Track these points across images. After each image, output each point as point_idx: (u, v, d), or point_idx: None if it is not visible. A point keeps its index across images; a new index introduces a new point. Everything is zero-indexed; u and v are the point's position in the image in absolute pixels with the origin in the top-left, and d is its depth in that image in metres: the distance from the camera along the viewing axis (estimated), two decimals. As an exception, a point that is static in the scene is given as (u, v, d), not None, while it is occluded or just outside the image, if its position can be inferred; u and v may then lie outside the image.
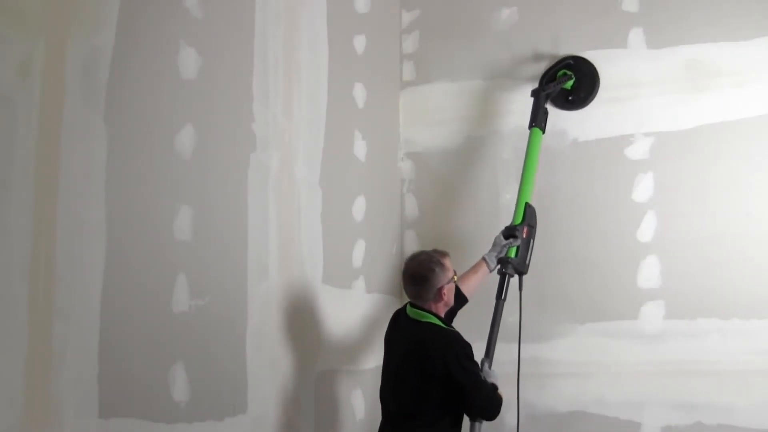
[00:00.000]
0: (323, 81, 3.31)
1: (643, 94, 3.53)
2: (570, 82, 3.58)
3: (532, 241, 3.16)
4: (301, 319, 3.02)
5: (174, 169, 2.42)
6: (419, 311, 2.75)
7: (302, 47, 3.15)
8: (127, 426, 2.17)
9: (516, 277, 3.12)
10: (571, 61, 3.60)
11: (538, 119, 3.42)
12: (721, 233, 3.34)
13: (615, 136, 3.55)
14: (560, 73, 3.62)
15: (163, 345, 2.34)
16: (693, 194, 3.40)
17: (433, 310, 2.74)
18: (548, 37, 3.72)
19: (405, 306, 2.86)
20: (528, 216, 3.19)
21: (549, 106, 3.55)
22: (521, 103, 3.70)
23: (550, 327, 3.53)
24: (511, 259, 3.09)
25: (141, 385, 2.25)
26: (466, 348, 2.67)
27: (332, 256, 3.26)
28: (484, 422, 2.76)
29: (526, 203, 3.22)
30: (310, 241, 3.13)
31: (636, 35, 3.56)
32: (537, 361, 3.47)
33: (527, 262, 3.14)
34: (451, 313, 2.89)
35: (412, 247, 3.82)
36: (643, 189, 3.48)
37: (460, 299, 2.94)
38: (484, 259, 3.10)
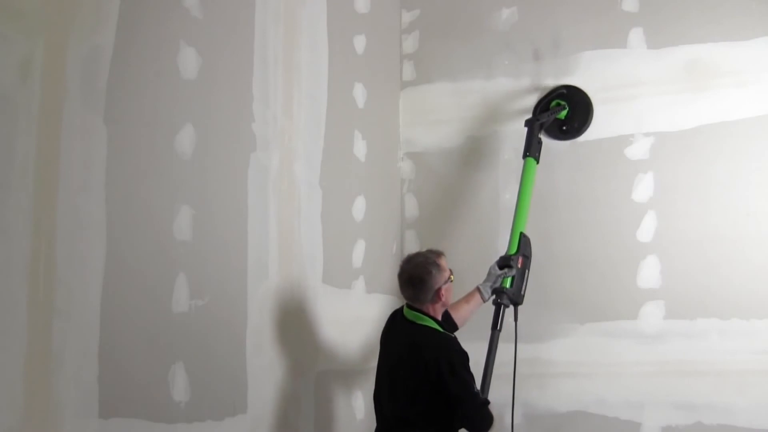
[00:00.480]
0: (323, 81, 3.31)
1: (643, 94, 3.53)
2: (564, 112, 3.57)
3: (527, 271, 3.11)
4: (301, 319, 3.02)
5: (174, 169, 2.42)
6: (416, 313, 2.72)
7: (302, 47, 3.15)
8: (127, 426, 2.17)
9: (511, 307, 3.05)
10: (564, 91, 3.58)
11: (532, 149, 3.37)
12: (721, 233, 3.34)
13: (615, 136, 3.55)
14: (553, 103, 3.60)
15: (163, 345, 2.34)
16: (693, 194, 3.40)
17: (431, 313, 2.71)
18: (548, 37, 3.72)
19: (402, 306, 2.83)
20: (523, 246, 3.14)
21: (543, 137, 3.51)
22: (521, 103, 3.70)
23: (550, 327, 3.53)
24: (507, 289, 3.03)
25: (141, 385, 2.25)
26: (462, 356, 2.62)
27: (332, 256, 3.26)
28: None
29: (521, 233, 3.18)
30: (310, 241, 3.13)
31: (636, 35, 3.56)
32: (537, 361, 3.47)
33: (522, 292, 3.08)
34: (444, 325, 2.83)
35: (412, 247, 3.82)
36: (643, 189, 3.48)
37: (451, 326, 2.87)
38: (478, 289, 3.04)
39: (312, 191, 3.17)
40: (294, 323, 2.97)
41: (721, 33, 3.41)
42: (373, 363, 3.37)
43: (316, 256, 3.17)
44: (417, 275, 2.69)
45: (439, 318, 2.75)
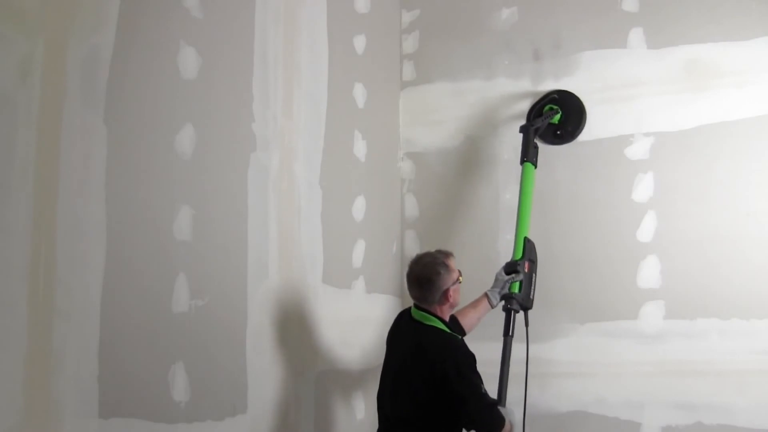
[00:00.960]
0: (323, 81, 3.31)
1: (643, 94, 3.53)
2: (557, 116, 3.58)
3: (534, 275, 3.12)
4: (301, 319, 3.02)
5: (174, 169, 2.42)
6: (424, 314, 2.70)
7: (302, 47, 3.15)
8: (127, 426, 2.17)
9: (521, 312, 3.06)
10: (556, 96, 3.60)
11: (529, 155, 3.39)
12: (721, 233, 3.33)
13: (615, 136, 3.55)
14: (546, 108, 3.61)
15: (163, 345, 2.34)
16: (693, 194, 3.40)
17: (438, 314, 2.69)
18: (548, 37, 3.72)
19: (410, 307, 2.81)
20: (528, 250, 3.15)
21: (539, 143, 3.52)
22: (521, 103, 3.70)
23: (551, 327, 3.53)
24: (516, 294, 3.04)
25: (141, 385, 2.25)
26: (469, 357, 2.61)
27: (332, 256, 3.26)
28: None
29: (525, 238, 3.19)
30: (310, 241, 3.13)
31: (636, 35, 3.56)
32: (537, 361, 3.46)
33: (531, 296, 3.09)
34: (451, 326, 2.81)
35: (412, 246, 3.82)
36: (643, 189, 3.48)
37: (459, 332, 2.84)
38: (486, 294, 3.03)
39: (312, 191, 3.17)
40: (294, 323, 2.97)
41: (721, 33, 3.41)
42: (374, 363, 3.38)
43: (316, 256, 3.17)
44: (425, 275, 2.67)
45: (447, 319, 2.73)
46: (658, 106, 3.49)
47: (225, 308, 2.60)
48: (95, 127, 2.12)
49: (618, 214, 3.50)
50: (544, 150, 3.60)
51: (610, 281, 3.48)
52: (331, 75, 3.35)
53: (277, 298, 2.88)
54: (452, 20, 3.95)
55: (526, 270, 3.08)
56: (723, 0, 3.43)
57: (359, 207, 3.54)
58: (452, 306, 2.74)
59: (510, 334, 2.99)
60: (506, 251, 3.31)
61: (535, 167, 3.40)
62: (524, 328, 3.04)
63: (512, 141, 3.67)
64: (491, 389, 2.75)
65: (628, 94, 3.55)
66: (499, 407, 2.72)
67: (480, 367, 2.63)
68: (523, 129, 3.44)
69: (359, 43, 3.64)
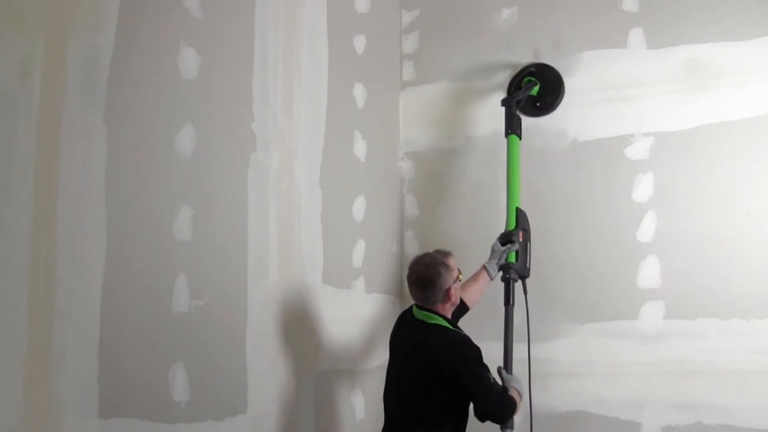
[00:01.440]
0: (323, 81, 3.31)
1: (643, 94, 3.53)
2: (536, 88, 3.62)
3: (528, 244, 3.19)
4: (301, 319, 3.02)
5: (174, 169, 2.42)
6: (426, 313, 2.72)
7: (302, 47, 3.15)
8: (127, 426, 2.17)
9: (520, 281, 3.14)
10: (533, 69, 3.65)
11: (513, 126, 3.46)
12: (721, 233, 3.33)
13: (615, 136, 3.55)
14: (525, 80, 3.66)
15: (163, 345, 2.34)
16: (693, 194, 3.40)
17: (441, 312, 2.72)
18: (548, 37, 3.72)
19: (411, 307, 2.82)
20: (521, 220, 3.22)
21: (521, 115, 3.57)
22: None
23: (551, 327, 3.53)
24: (513, 264, 3.12)
25: (141, 385, 2.25)
26: (474, 351, 2.63)
27: (332, 256, 3.26)
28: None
29: (517, 208, 3.25)
30: (310, 241, 3.13)
31: (636, 35, 3.56)
32: (537, 361, 3.45)
33: (528, 265, 3.17)
34: (453, 322, 2.84)
35: (412, 246, 3.82)
36: (643, 189, 3.48)
37: (461, 308, 2.91)
38: (484, 267, 3.09)
39: (312, 191, 3.17)
40: (294, 323, 2.97)
41: (721, 33, 3.41)
42: (374, 363, 3.39)
43: (316, 256, 3.17)
44: (426, 276, 2.70)
45: (449, 317, 2.76)
46: (658, 106, 3.49)
47: (225, 308, 2.60)
48: (95, 127, 2.12)
49: (618, 214, 3.50)
50: (545, 149, 3.60)
51: (610, 281, 3.48)
52: (331, 75, 3.35)
53: (277, 298, 2.88)
54: (452, 20, 3.95)
55: (520, 239, 3.16)
56: (723, 0, 3.43)
57: (359, 207, 3.54)
58: (454, 304, 2.77)
59: (510, 303, 3.08)
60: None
61: (520, 139, 3.47)
62: (523, 296, 3.11)
63: (512, 141, 3.67)
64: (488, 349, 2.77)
65: (628, 94, 3.55)
66: (506, 375, 2.83)
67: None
68: (504, 102, 3.51)
69: (359, 43, 3.64)
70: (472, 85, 3.85)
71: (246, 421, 2.65)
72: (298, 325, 3.00)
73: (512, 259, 3.13)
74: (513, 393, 2.73)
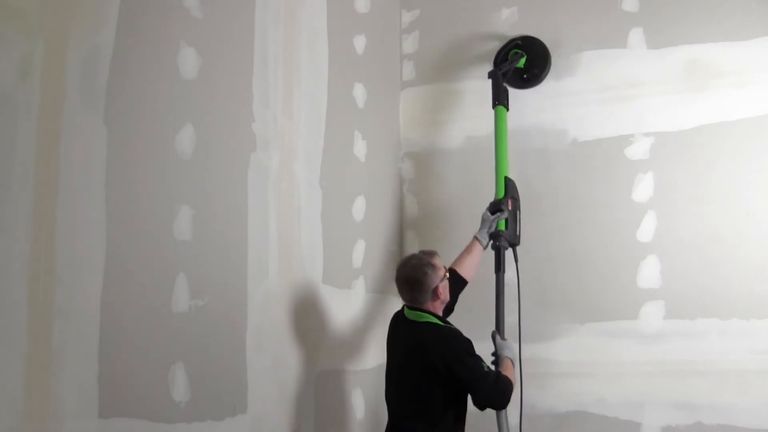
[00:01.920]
0: (323, 81, 3.31)
1: (643, 94, 3.53)
2: (522, 60, 3.67)
3: (518, 212, 3.24)
4: (301, 319, 3.02)
5: (174, 169, 2.42)
6: (417, 312, 2.78)
7: (302, 47, 3.15)
8: (127, 426, 2.17)
9: (510, 250, 3.19)
10: (520, 41, 3.70)
11: (500, 97, 3.51)
12: (721, 233, 3.33)
13: (615, 136, 3.55)
14: (512, 52, 3.70)
15: (163, 345, 2.34)
16: (693, 194, 3.40)
17: (431, 310, 2.78)
18: (548, 37, 3.72)
19: (402, 308, 2.87)
20: (510, 189, 3.27)
21: (510, 89, 3.62)
22: (521, 102, 3.70)
23: (550, 327, 3.53)
24: (503, 232, 3.16)
25: (141, 385, 2.25)
26: (465, 344, 2.69)
27: (332, 256, 3.26)
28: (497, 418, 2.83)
29: (506, 177, 3.30)
30: (310, 241, 3.13)
31: (636, 35, 3.56)
32: (537, 361, 3.47)
33: (518, 233, 3.22)
34: (453, 299, 2.92)
35: (412, 247, 3.82)
36: (643, 189, 3.48)
37: (459, 283, 2.99)
38: (475, 237, 3.15)
39: (312, 191, 3.17)
40: (294, 323, 2.97)
41: (721, 33, 3.42)
42: (374, 363, 3.39)
43: (316, 256, 3.17)
44: (413, 277, 2.76)
45: (440, 314, 2.81)
46: (658, 106, 3.49)
47: (225, 308, 2.60)
48: (95, 127, 2.12)
49: (618, 214, 3.50)
50: (545, 150, 3.60)
51: (610, 281, 3.48)
52: (331, 75, 3.35)
53: (277, 298, 2.88)
54: (452, 20, 3.95)
55: (509, 207, 3.21)
56: (723, 0, 3.43)
57: (359, 207, 3.54)
58: (443, 302, 2.82)
59: (501, 270, 3.13)
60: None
61: (507, 110, 3.51)
62: (514, 264, 3.16)
63: (512, 140, 3.66)
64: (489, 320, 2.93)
65: (628, 94, 3.55)
66: (499, 340, 2.93)
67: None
68: (491, 74, 3.55)
69: (359, 43, 3.64)
70: (472, 85, 3.84)
71: (246, 421, 2.65)
72: (298, 325, 3.00)
73: (502, 226, 3.18)
74: (506, 366, 2.80)
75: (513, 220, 3.20)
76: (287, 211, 2.99)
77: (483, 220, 3.18)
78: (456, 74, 3.90)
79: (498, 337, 2.95)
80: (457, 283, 2.96)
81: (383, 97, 3.86)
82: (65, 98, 2.02)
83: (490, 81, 3.54)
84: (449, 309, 2.94)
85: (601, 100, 3.60)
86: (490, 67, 3.75)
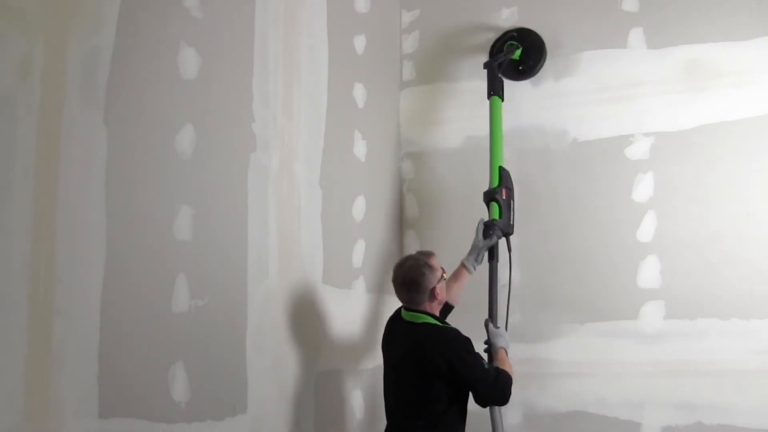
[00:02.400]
0: (323, 81, 3.31)
1: (643, 94, 3.53)
2: (518, 52, 3.69)
3: (512, 202, 3.25)
4: (301, 319, 3.02)
5: (174, 169, 2.42)
6: (415, 313, 2.78)
7: (302, 47, 3.15)
8: (127, 426, 2.17)
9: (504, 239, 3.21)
10: (515, 33, 3.72)
11: (495, 88, 3.53)
12: (721, 233, 3.34)
13: (615, 136, 3.55)
14: (507, 44, 3.71)
15: (163, 345, 2.34)
16: (693, 194, 3.40)
17: (428, 310, 2.78)
18: (548, 37, 3.72)
19: (399, 310, 2.87)
20: (504, 178, 3.28)
21: (505, 80, 3.63)
22: (521, 102, 3.70)
23: (550, 327, 3.53)
24: (497, 221, 3.17)
25: (141, 385, 2.25)
26: (465, 343, 2.69)
27: (332, 256, 3.26)
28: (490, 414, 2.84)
29: (500, 167, 3.31)
30: (310, 241, 3.13)
31: (636, 35, 3.56)
32: (537, 361, 3.47)
33: (511, 222, 3.22)
34: (442, 318, 2.89)
35: (412, 246, 3.82)
36: (643, 189, 3.48)
37: (446, 308, 2.96)
38: (463, 264, 3.13)
39: (312, 191, 3.17)
40: (294, 323, 2.97)
41: (721, 33, 3.42)
42: (374, 363, 3.39)
43: (316, 256, 3.17)
44: (411, 278, 2.76)
45: (438, 314, 2.81)
46: (658, 106, 3.50)
47: (225, 308, 2.60)
48: (95, 127, 2.12)
49: (618, 214, 3.50)
50: (544, 150, 3.60)
51: (610, 281, 3.48)
52: (331, 75, 3.34)
53: (277, 298, 2.88)
54: (452, 20, 3.95)
55: (504, 197, 3.22)
56: (723, 0, 3.43)
57: (359, 207, 3.54)
58: (440, 303, 2.83)
59: (495, 259, 3.16)
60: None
61: (502, 100, 3.53)
62: (507, 254, 3.20)
63: (512, 141, 3.67)
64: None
65: (628, 94, 3.56)
66: (492, 329, 2.94)
67: None
68: (487, 65, 3.58)
69: (359, 43, 3.64)
70: (472, 84, 3.84)
71: (246, 421, 2.65)
72: (298, 325, 3.00)
73: (496, 215, 3.18)
74: (501, 357, 2.82)
75: (507, 209, 3.22)
76: (287, 211, 2.99)
77: (473, 247, 3.15)
78: (456, 74, 3.90)
79: (491, 326, 2.97)
80: (445, 308, 2.94)
81: (383, 97, 3.86)
82: (65, 98, 2.02)
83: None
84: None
85: (601, 100, 3.60)
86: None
